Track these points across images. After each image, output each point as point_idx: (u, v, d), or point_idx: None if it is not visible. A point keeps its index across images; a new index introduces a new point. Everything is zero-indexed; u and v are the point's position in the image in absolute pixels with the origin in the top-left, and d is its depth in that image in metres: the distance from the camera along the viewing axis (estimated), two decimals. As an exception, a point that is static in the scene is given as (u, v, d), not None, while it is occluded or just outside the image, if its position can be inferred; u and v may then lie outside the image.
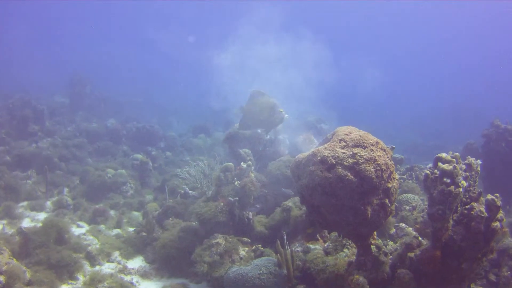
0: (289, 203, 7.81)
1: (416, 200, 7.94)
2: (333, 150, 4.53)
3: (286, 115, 5.94)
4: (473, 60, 56.57)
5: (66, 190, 11.77)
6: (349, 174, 4.35)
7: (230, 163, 8.66)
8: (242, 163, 8.60)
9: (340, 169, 4.38)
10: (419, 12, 53.06)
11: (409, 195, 8.14)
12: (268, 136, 11.44)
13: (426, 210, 7.36)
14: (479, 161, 5.19)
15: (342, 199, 4.41)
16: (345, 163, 4.40)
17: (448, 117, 32.07)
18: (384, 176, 4.49)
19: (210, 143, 19.17)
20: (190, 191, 10.15)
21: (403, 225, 6.93)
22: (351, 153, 4.45)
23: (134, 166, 13.96)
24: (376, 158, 4.44)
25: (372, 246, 5.14)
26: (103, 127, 18.90)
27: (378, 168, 4.42)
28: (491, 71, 54.16)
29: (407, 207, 7.70)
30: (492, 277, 6.25)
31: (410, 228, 6.90)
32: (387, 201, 4.62)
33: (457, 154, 4.93)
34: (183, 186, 10.37)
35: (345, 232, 4.89)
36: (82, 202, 10.91)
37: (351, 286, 4.96)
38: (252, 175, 8.50)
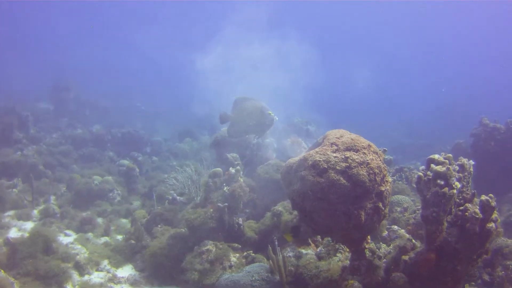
0: (279, 207, 7.70)
1: (407, 201, 7.87)
2: (324, 154, 4.44)
3: (276, 117, 5.83)
4: (461, 60, 56.88)
5: (52, 198, 11.58)
6: (341, 178, 4.27)
7: (219, 169, 8.55)
8: (230, 168, 8.49)
9: (332, 174, 4.29)
10: (409, 12, 53.19)
11: (400, 197, 8.08)
12: (255, 140, 11.35)
13: (417, 212, 7.35)
14: (471, 162, 5.12)
15: (335, 204, 4.32)
16: (337, 167, 4.31)
17: (434, 117, 32.19)
18: (377, 179, 4.41)
19: (196, 148, 19.07)
20: (178, 197, 10.02)
21: (396, 227, 6.86)
22: (343, 157, 4.36)
23: (120, 172, 13.81)
24: (369, 161, 4.36)
25: (366, 250, 5.06)
26: (88, 133, 18.71)
27: (371, 171, 4.34)
28: (478, 71, 54.56)
29: (398, 209, 7.64)
30: (486, 277, 6.22)
31: (403, 230, 6.84)
32: (380, 204, 4.54)
33: (450, 155, 4.86)
34: (170, 192, 10.24)
35: (339, 237, 4.80)
36: (69, 210, 10.73)
37: (346, 291, 4.88)
38: (241, 180, 8.41)
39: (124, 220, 10.83)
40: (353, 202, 4.33)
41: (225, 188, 8.12)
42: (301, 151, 10.91)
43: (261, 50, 17.71)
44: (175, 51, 43.88)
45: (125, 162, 14.43)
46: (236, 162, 9.29)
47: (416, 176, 4.81)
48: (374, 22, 55.62)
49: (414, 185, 9.44)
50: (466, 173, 5.01)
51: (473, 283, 5.93)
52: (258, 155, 10.69)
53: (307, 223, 4.76)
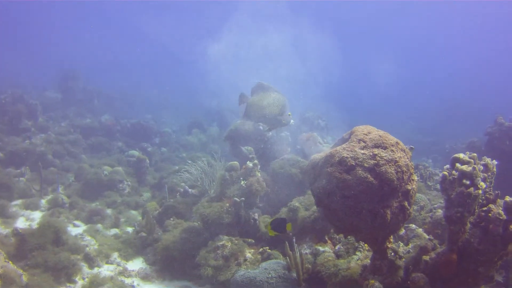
0: (295, 203, 7.61)
1: (423, 200, 7.78)
2: (352, 151, 4.35)
3: (292, 121, 5.72)
4: (472, 59, 56.41)
5: (60, 187, 11.52)
6: (369, 176, 4.18)
7: (235, 162, 8.47)
8: (248, 162, 8.40)
9: (360, 171, 4.21)
10: (426, 6, 52.40)
11: (417, 195, 7.99)
12: (270, 133, 11.26)
13: (434, 211, 7.27)
14: (495, 162, 5.05)
15: (362, 202, 4.24)
16: (365, 165, 4.22)
17: (442, 115, 31.99)
18: (404, 178, 4.33)
19: (204, 140, 18.99)
20: (190, 190, 9.95)
21: (413, 226, 6.77)
22: (371, 154, 4.27)
23: (130, 163, 13.76)
24: (397, 159, 4.27)
25: (388, 250, 4.99)
26: (97, 123, 18.61)
27: (399, 170, 4.25)
28: (490, 69, 54.13)
29: (415, 207, 7.55)
30: (499, 278, 6.15)
31: (420, 229, 6.76)
32: (406, 203, 4.45)
33: (474, 154, 4.78)
34: (181, 184, 10.16)
35: (362, 235, 4.72)
36: (78, 201, 10.67)
37: (367, 291, 4.81)
38: (258, 174, 8.33)
39: (133, 212, 10.77)
40: (380, 201, 4.25)
41: (242, 182, 8.04)
42: (316, 146, 10.81)
43: (276, 40, 17.53)
44: (187, 39, 43.61)
45: (135, 152, 14.39)
46: (251, 156, 9.18)
47: (441, 175, 4.73)
48: (397, 12, 54.44)
49: (429, 183, 9.45)
50: (489, 173, 4.96)
51: (489, 284, 5.87)
52: (272, 149, 10.58)
53: (331, 220, 4.67)
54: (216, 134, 19.56)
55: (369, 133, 4.55)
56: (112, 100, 26.10)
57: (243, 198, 7.68)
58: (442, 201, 7.89)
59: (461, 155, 4.71)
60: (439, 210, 7.20)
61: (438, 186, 10.10)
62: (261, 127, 10.92)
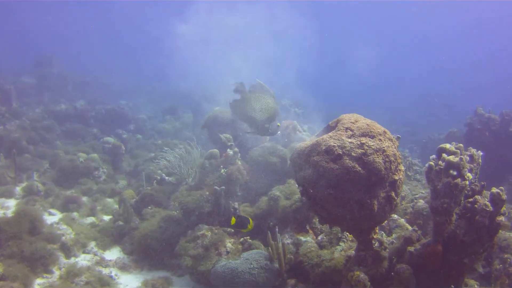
0: (276, 192, 7.49)
1: (404, 190, 7.76)
2: (339, 140, 4.23)
3: (279, 132, 5.55)
4: (454, 52, 56.70)
5: (35, 175, 11.20)
6: (356, 165, 4.07)
7: (215, 150, 8.34)
8: (228, 150, 8.27)
9: (347, 160, 4.09)
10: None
11: (399, 185, 7.95)
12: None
13: (415, 201, 7.24)
14: (480, 153, 5.00)
15: (349, 192, 4.13)
16: (353, 154, 4.11)
17: (420, 105, 32.19)
18: (392, 167, 4.23)
19: (179, 127, 18.83)
20: (166, 177, 9.78)
21: (395, 216, 6.71)
22: (359, 143, 4.16)
23: (105, 150, 13.50)
24: (385, 148, 4.17)
25: (373, 241, 4.90)
26: (71, 109, 18.24)
27: (387, 159, 4.15)
28: (470, 63, 54.59)
29: (397, 197, 7.52)
30: (480, 270, 6.13)
31: (403, 220, 6.71)
32: (393, 194, 4.36)
33: (461, 145, 4.73)
34: (158, 172, 10.00)
35: (348, 226, 4.62)
36: (54, 188, 10.41)
37: (351, 282, 4.71)
38: (239, 162, 8.21)
39: (110, 200, 10.54)
40: (367, 191, 4.14)
41: (222, 170, 7.90)
42: (295, 134, 10.70)
43: (248, 21, 17.22)
44: (156, 18, 42.83)
45: (110, 139, 14.12)
46: (229, 143, 9.03)
47: (427, 165, 4.66)
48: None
49: (409, 173, 9.42)
50: (475, 164, 4.90)
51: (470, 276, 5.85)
52: (251, 136, 10.44)
53: (317, 211, 4.56)
54: (190, 121, 19.38)
55: (356, 121, 4.44)
56: (87, 85, 25.70)
57: (224, 187, 7.54)
58: (423, 191, 7.88)
59: (448, 145, 4.65)
60: (421, 201, 7.16)
61: (418, 176, 10.12)
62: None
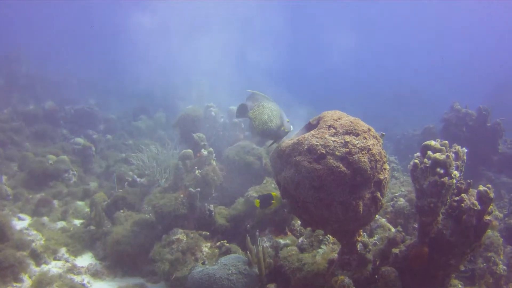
0: (252, 193, 7.27)
1: (384, 188, 7.59)
2: (322, 138, 4.00)
3: (291, 127, 5.27)
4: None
5: (4, 178, 10.79)
6: (341, 165, 3.84)
7: (189, 150, 8.04)
8: (202, 150, 8.00)
9: (331, 160, 3.86)
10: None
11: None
12: (222, 120, 10.89)
13: (395, 199, 7.08)
14: (465, 149, 4.82)
15: (333, 193, 3.90)
16: (337, 153, 3.88)
17: (393, 100, 32.29)
18: (377, 167, 4.02)
19: (152, 126, 18.51)
20: (138, 179, 9.49)
21: (377, 216, 6.54)
22: (343, 141, 3.93)
23: (75, 151, 13.19)
24: (370, 147, 3.96)
25: (357, 244, 4.70)
26: (40, 109, 17.77)
27: (372, 158, 3.94)
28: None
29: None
30: (462, 268, 6.02)
31: (384, 219, 6.55)
32: (378, 194, 4.16)
33: (446, 142, 4.54)
34: (129, 173, 9.70)
35: (332, 229, 4.40)
36: (23, 192, 10.05)
37: (335, 287, 4.50)
38: (214, 162, 7.94)
39: (81, 203, 10.21)
40: (352, 192, 3.93)
41: (197, 171, 7.63)
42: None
43: (211, 9, 16.84)
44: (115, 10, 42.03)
45: (80, 140, 13.79)
46: (202, 143, 8.74)
47: (412, 163, 4.47)
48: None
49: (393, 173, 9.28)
50: (460, 161, 4.72)
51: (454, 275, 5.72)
52: (225, 135, 10.21)
53: (299, 213, 4.33)
54: (163, 120, 19.08)
55: (339, 118, 4.22)
56: (56, 85, 25.13)
57: (199, 189, 7.27)
58: (403, 189, 7.72)
59: (433, 142, 4.48)
60: (401, 199, 7.02)
61: (395, 173, 10.00)
62: (213, 113, 10.55)
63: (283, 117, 4.79)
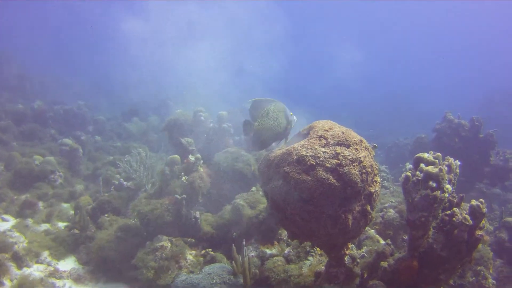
0: (239, 201, 7.13)
1: (372, 198, 7.49)
2: (312, 149, 3.87)
3: (295, 118, 5.10)
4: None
5: (-11, 178, 10.62)
6: (331, 177, 3.72)
7: (177, 156, 7.91)
8: (190, 156, 7.86)
9: (321, 171, 3.73)
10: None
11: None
12: (212, 124, 10.76)
13: (385, 210, 6.97)
14: (458, 162, 4.72)
15: (322, 206, 3.77)
16: (327, 165, 3.75)
17: (385, 109, 32.31)
18: (368, 179, 3.90)
19: (144, 129, 18.36)
20: (125, 182, 9.34)
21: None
22: (334, 152, 3.81)
23: (62, 152, 13.00)
24: (361, 159, 3.83)
25: (346, 257, 4.58)
26: (29, 109, 17.63)
27: (363, 171, 3.81)
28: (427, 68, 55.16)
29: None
30: (451, 282, 5.94)
31: (373, 231, 6.44)
32: (368, 207, 4.04)
33: (439, 154, 4.46)
34: (116, 176, 9.55)
35: (320, 242, 4.27)
36: (7, 192, 9.86)
37: (322, 301, 4.39)
38: (201, 169, 7.80)
39: (66, 205, 10.03)
40: (342, 204, 3.81)
41: (184, 178, 7.49)
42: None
43: (204, 17, 16.73)
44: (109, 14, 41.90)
45: (68, 141, 13.61)
46: (191, 148, 8.61)
47: (403, 176, 4.37)
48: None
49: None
50: (452, 174, 4.62)
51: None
52: (214, 140, 10.08)
53: (286, 225, 4.20)
54: (156, 123, 18.93)
55: (331, 129, 4.09)
56: (45, 85, 24.97)
57: (185, 196, 7.13)
58: (393, 200, 7.63)
59: (425, 155, 4.40)
60: (391, 210, 6.93)
61: (385, 183, 9.91)
62: (202, 118, 10.43)
63: (287, 114, 4.66)
